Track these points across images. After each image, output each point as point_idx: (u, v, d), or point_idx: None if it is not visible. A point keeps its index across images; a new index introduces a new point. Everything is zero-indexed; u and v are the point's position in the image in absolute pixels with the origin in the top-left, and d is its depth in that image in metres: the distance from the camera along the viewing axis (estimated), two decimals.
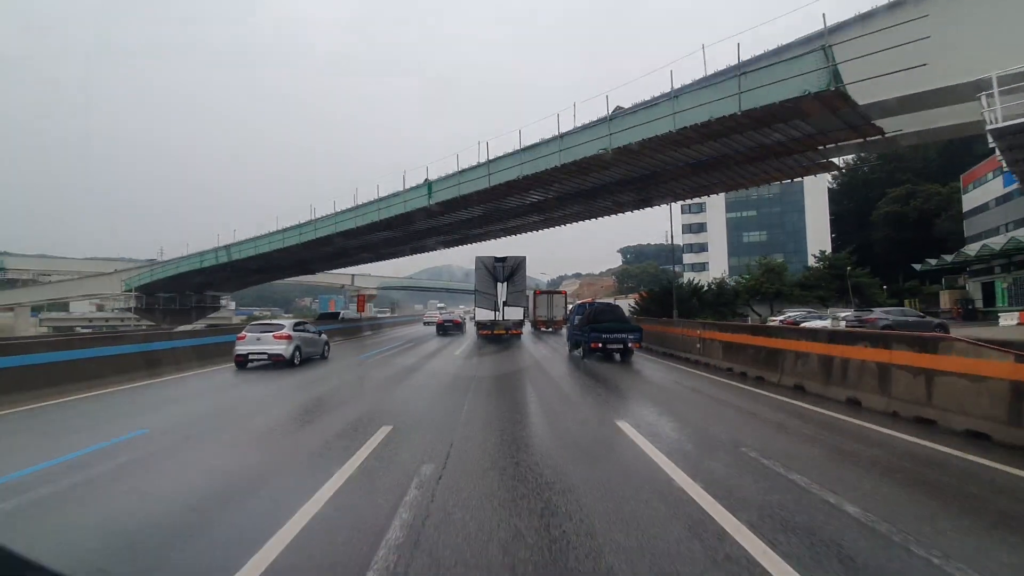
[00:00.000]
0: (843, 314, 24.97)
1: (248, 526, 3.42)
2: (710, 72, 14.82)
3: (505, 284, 23.05)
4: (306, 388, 10.17)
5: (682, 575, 2.71)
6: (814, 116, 13.07)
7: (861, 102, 12.47)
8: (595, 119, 17.01)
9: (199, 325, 46.11)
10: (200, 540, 3.24)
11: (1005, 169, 22.51)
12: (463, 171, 21.46)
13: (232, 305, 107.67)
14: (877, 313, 22.00)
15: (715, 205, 65.65)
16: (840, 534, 3.17)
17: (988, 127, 12.19)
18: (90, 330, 55.84)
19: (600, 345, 13.35)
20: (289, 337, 13.41)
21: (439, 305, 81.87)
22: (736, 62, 13.54)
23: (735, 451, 5.12)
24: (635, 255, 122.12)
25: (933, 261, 42.84)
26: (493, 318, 22.49)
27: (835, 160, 18.64)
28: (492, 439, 5.66)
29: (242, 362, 13.29)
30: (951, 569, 2.74)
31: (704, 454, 5.10)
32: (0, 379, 8.22)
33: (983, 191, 41.91)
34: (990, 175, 40.27)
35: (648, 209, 25.54)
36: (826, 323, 23.46)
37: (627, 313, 38.29)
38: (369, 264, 50.19)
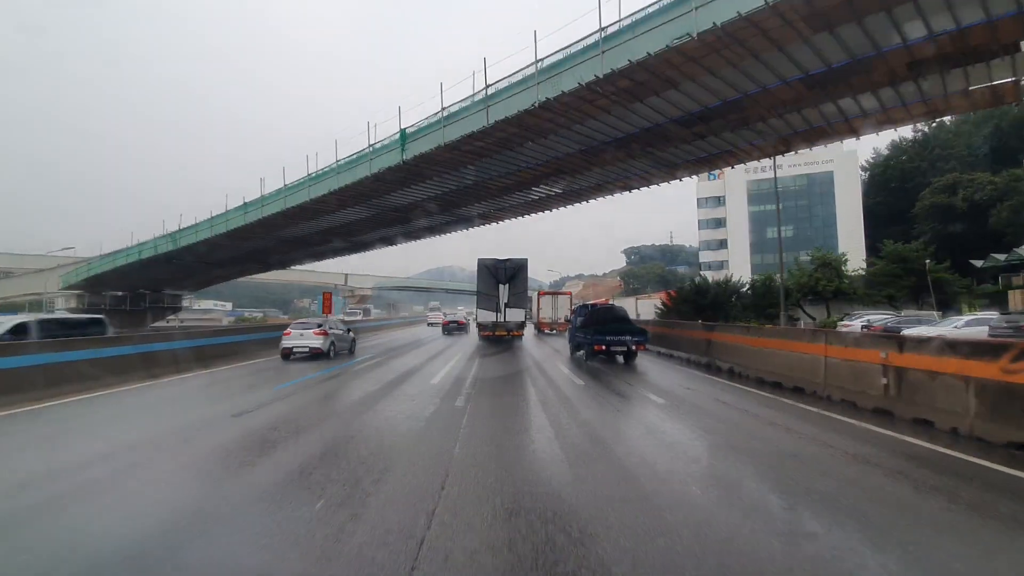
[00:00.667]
0: (959, 320, 18.86)
1: None
2: None
3: (507, 286, 22.64)
4: None
5: None
6: None
7: None
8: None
9: (175, 323, 38.76)
10: None
11: None
12: (449, 111, 15.30)
13: (228, 306, 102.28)
14: None
15: (736, 197, 59.65)
16: None
17: None
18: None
19: (604, 347, 12.79)
20: (326, 333, 14.81)
21: (433, 304, 78.80)
22: None
23: None
24: (639, 256, 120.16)
25: (1001, 257, 36.99)
26: (495, 320, 22.18)
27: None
28: None
29: (287, 354, 14.40)
30: None
31: None
32: None
33: None
34: None
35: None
36: (942, 331, 17.23)
37: (654, 316, 31.72)
38: (361, 260, 43.89)
